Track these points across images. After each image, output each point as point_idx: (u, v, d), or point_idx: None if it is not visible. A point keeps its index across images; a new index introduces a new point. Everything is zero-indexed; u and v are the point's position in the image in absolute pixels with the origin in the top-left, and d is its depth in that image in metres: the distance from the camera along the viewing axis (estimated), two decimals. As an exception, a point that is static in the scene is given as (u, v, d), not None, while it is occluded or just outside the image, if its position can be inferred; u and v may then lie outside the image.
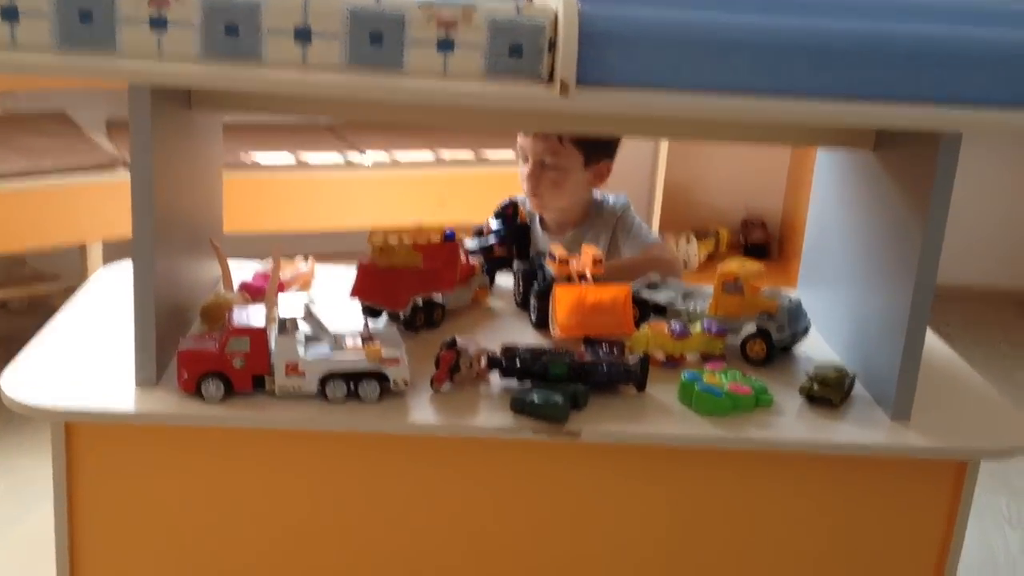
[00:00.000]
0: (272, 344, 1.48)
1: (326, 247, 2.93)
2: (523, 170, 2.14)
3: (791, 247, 3.55)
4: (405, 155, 3.05)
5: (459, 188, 3.02)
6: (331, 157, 3.00)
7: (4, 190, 2.58)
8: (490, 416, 1.46)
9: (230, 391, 1.45)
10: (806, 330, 1.73)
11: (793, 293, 1.83)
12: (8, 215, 2.62)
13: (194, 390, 1.44)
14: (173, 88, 1.46)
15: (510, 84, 1.34)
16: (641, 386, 1.56)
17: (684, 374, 1.55)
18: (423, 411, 1.46)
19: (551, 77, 1.34)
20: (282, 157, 2.95)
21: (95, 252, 2.79)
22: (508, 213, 1.97)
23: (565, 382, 1.51)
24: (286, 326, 1.48)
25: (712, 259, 3.54)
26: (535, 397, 1.46)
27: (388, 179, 3.00)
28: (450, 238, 1.77)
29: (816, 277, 1.87)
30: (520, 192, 2.20)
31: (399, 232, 1.72)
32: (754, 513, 1.52)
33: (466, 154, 3.08)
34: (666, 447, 1.48)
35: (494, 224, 1.98)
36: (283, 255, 1.76)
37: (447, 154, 3.08)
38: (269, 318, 1.53)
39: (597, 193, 2.22)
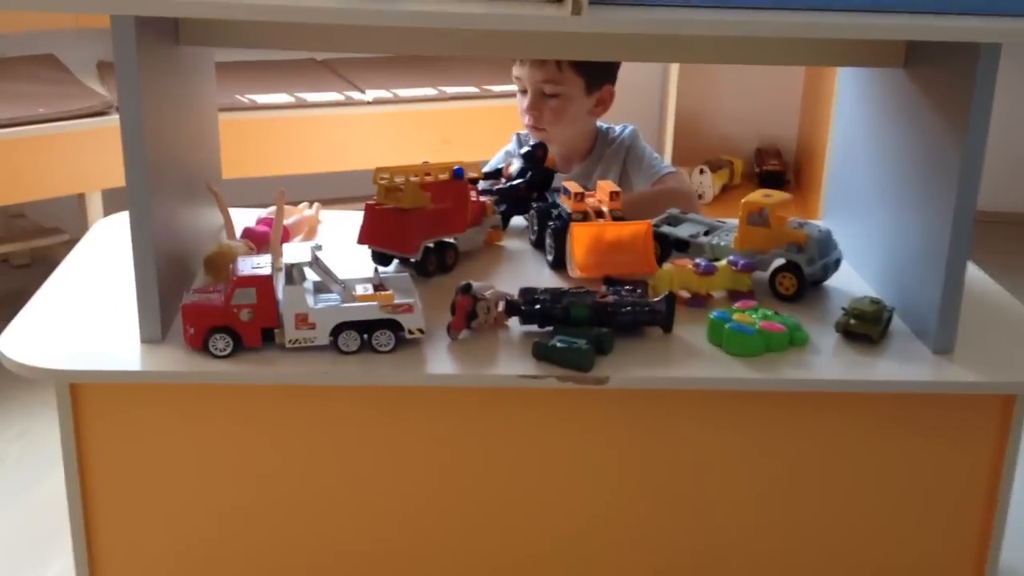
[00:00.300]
0: (280, 294, 1.41)
1: (328, 190, 2.85)
2: (522, 102, 2.04)
3: (808, 175, 3.45)
4: (406, 91, 2.95)
5: (463, 124, 2.92)
6: (330, 96, 2.90)
7: (-4, 139, 2.49)
8: (511, 364, 1.39)
9: (239, 345, 1.38)
10: (838, 262, 1.66)
11: (816, 223, 1.74)
12: (2, 165, 2.53)
13: (201, 346, 1.37)
14: (158, 17, 1.37)
15: (517, 5, 1.25)
16: (668, 327, 1.48)
17: (712, 313, 1.48)
18: (440, 361, 1.39)
19: (560, -3, 1.25)
20: (278, 97, 2.85)
21: (95, 202, 2.71)
22: (538, 155, 1.86)
23: (588, 325, 1.44)
24: (293, 275, 1.41)
25: (727, 190, 3.45)
26: (558, 343, 1.39)
27: (390, 116, 2.90)
28: (459, 175, 1.69)
29: (843, 206, 1.79)
30: (521, 128, 2.11)
31: (406, 170, 1.63)
32: (792, 457, 1.46)
33: (470, 88, 2.98)
34: (698, 391, 1.41)
35: (517, 164, 1.88)
36: (286, 200, 1.68)
37: (450, 89, 2.97)
38: (275, 267, 1.46)
39: (602, 123, 2.13)
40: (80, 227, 2.55)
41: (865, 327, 1.47)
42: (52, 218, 2.96)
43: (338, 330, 1.39)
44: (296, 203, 1.89)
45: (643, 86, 3.36)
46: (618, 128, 2.12)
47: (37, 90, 2.68)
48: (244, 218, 1.76)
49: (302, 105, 2.83)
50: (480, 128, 2.88)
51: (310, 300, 1.40)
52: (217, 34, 1.52)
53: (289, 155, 2.84)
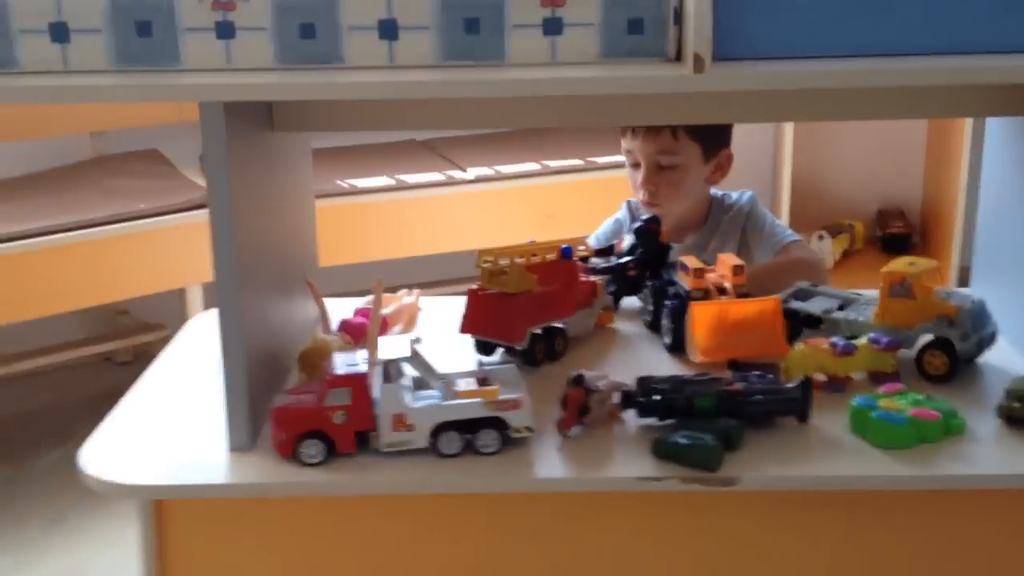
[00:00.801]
0: (376, 394, 1.30)
1: (431, 273, 2.78)
2: (634, 176, 1.92)
3: (936, 238, 3.24)
4: (508, 168, 2.87)
5: (568, 198, 2.82)
6: (431, 176, 2.84)
7: (97, 237, 2.49)
8: (630, 464, 1.26)
9: (332, 451, 1.28)
10: (993, 336, 1.48)
11: (966, 292, 1.57)
12: (104, 263, 2.53)
13: (291, 453, 1.27)
14: (247, 102, 1.30)
15: (632, 66, 1.14)
16: (804, 416, 1.33)
17: (855, 399, 1.32)
18: (551, 462, 1.27)
19: (679, 55, 1.14)
20: (379, 180, 2.80)
21: (195, 296, 2.69)
22: (651, 230, 1.72)
23: (714, 417, 1.30)
24: (390, 372, 1.30)
25: (848, 256, 3.27)
26: (681, 439, 1.25)
27: (492, 194, 2.83)
28: (567, 255, 1.57)
29: (994, 272, 1.61)
30: (630, 195, 1.99)
31: (511, 252, 1.52)
32: (955, 566, 1.27)
33: (574, 161, 2.89)
34: (843, 492, 1.25)
35: (629, 240, 1.75)
36: (385, 287, 1.59)
37: (553, 163, 2.88)
38: (372, 363, 1.36)
39: (716, 190, 2.00)
40: (181, 322, 2.52)
41: (1032, 411, 1.29)
42: (154, 313, 2.95)
43: (438, 431, 1.28)
44: (395, 289, 1.80)
45: (754, 148, 3.21)
46: (735, 194, 1.98)
47: (139, 185, 2.69)
48: (341, 309, 1.67)
49: (402, 187, 2.77)
50: (586, 202, 2.77)
51: (408, 398, 1.30)
52: (313, 118, 1.46)
53: (390, 238, 2.79)
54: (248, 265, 1.29)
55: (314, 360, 1.47)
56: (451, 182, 2.81)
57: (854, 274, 3.07)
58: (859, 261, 3.26)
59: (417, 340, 1.35)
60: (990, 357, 1.48)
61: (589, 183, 2.83)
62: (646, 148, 1.87)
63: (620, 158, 1.97)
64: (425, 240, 2.82)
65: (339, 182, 2.75)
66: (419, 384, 1.34)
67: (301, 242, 1.63)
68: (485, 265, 1.51)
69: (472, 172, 2.85)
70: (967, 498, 1.25)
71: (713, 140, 1.90)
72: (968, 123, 2.97)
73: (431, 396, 1.31)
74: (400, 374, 1.32)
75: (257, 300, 1.34)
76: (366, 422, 1.28)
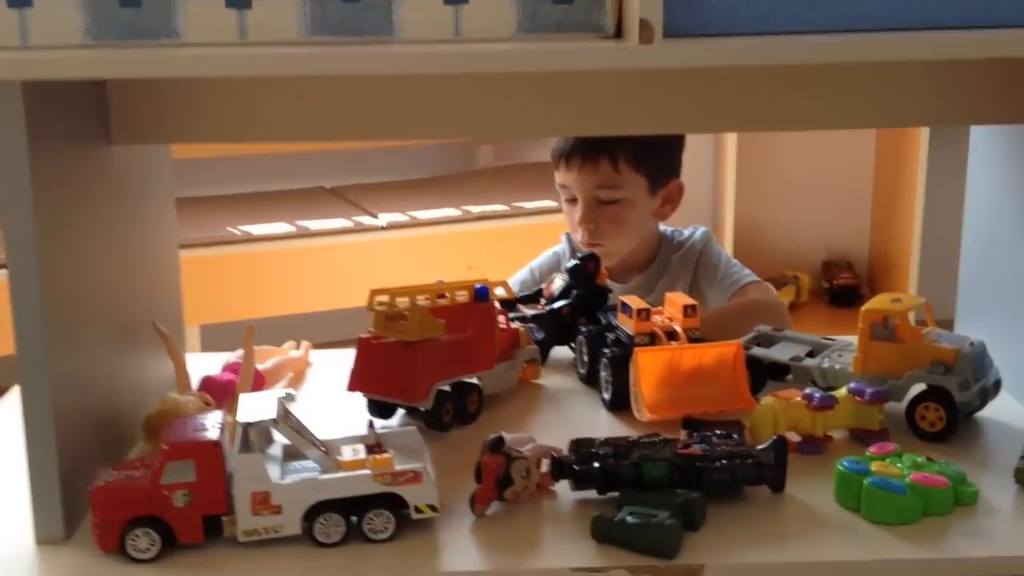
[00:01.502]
0: (231, 467, 1.00)
1: (338, 330, 2.48)
2: (572, 212, 1.68)
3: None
4: (425, 213, 2.61)
5: (492, 247, 2.57)
6: (337, 223, 2.57)
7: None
8: (563, 550, 0.99)
9: (171, 542, 0.97)
10: (998, 385, 1.24)
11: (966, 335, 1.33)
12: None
13: (117, 546, 0.97)
14: (66, 100, 1.03)
15: (559, 42, 0.89)
16: (779, 485, 1.07)
17: (841, 463, 1.06)
18: (461, 549, 0.99)
19: (619, 31, 0.89)
20: (278, 227, 2.51)
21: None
22: (588, 270, 1.48)
23: (667, 488, 1.04)
24: (249, 438, 1.01)
25: (794, 309, 3.08)
26: (628, 517, 0.99)
27: (407, 242, 2.58)
28: (482, 296, 1.30)
29: (986, 311, 1.38)
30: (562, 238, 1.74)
31: (412, 291, 1.25)
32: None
33: (498, 206, 2.64)
34: (836, 582, 0.98)
35: (560, 281, 1.49)
36: (267, 341, 1.30)
37: (475, 208, 2.63)
38: (228, 427, 1.06)
39: (666, 227, 1.77)
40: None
41: (1057, 475, 1.05)
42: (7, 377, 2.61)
43: (314, 513, 0.99)
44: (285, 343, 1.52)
45: (693, 194, 3.00)
46: (687, 231, 1.76)
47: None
48: (209, 364, 1.38)
49: (304, 234, 2.50)
50: (511, 250, 2.51)
51: (274, 472, 1.00)
52: (161, 125, 1.20)
53: (292, 291, 2.51)
54: (65, 313, 1.02)
55: (162, 427, 1.17)
56: (360, 228, 2.55)
57: (803, 327, 2.85)
58: (807, 314, 3.08)
59: (288, 397, 1.06)
60: (991, 410, 1.24)
61: (514, 229, 2.59)
62: (583, 182, 1.64)
63: (548, 203, 1.72)
64: (331, 293, 2.54)
65: (231, 229, 2.46)
66: (291, 454, 1.05)
67: (158, 287, 1.34)
68: (379, 308, 1.23)
69: (384, 218, 2.58)
70: (988, 586, 0.99)
71: (660, 170, 1.68)
72: (921, 164, 2.82)
73: (305, 469, 1.02)
74: (267, 441, 1.04)
75: (80, 355, 1.06)
76: (217, 504, 0.99)
